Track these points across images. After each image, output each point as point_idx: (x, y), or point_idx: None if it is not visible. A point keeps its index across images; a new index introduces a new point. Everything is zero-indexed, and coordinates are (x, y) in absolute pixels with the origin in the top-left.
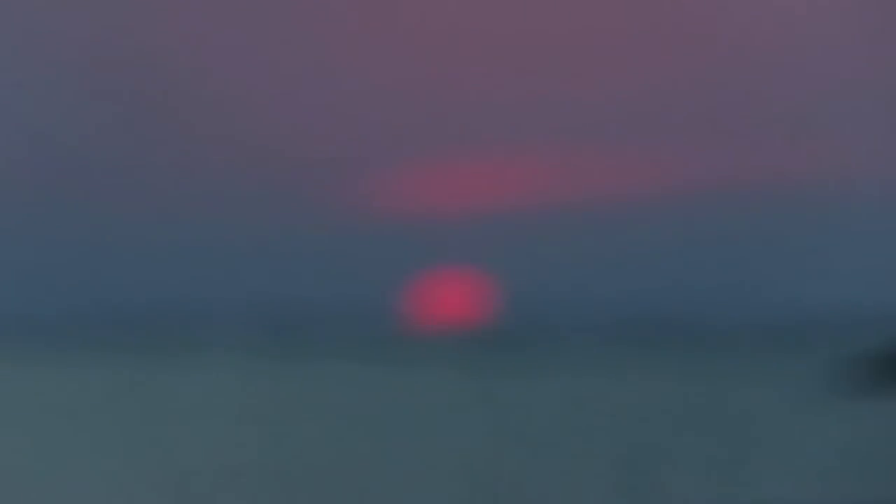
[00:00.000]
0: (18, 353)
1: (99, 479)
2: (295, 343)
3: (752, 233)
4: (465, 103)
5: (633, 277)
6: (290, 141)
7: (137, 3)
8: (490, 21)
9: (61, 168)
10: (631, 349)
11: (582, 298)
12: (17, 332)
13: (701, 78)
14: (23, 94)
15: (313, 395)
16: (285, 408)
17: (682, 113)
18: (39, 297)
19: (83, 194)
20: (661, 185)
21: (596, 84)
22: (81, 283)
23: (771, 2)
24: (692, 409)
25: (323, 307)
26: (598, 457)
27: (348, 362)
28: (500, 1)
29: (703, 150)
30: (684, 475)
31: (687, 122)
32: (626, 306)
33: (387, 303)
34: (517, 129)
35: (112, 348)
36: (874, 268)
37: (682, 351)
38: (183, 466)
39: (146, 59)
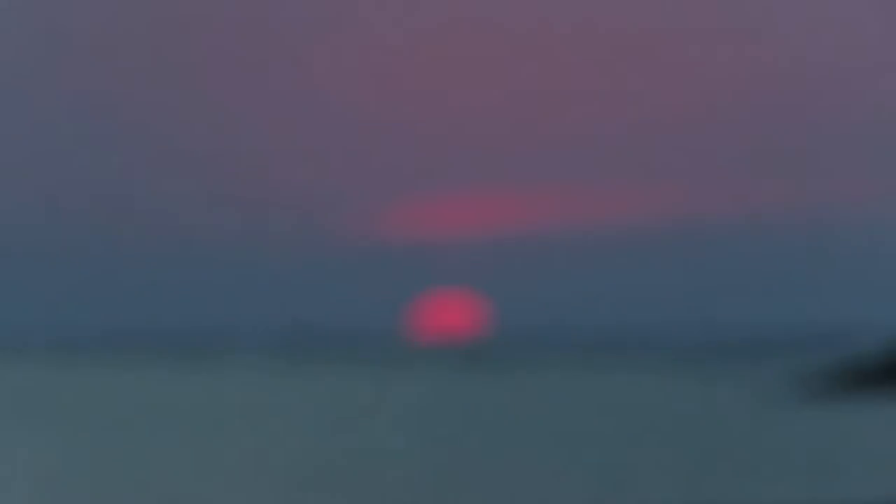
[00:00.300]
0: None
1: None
2: (309, 356)
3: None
4: (457, 143)
5: (610, 298)
6: (301, 178)
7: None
8: (480, 61)
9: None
10: (609, 360)
11: (564, 316)
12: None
13: (685, 116)
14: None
15: (328, 400)
16: (303, 409)
17: (667, 147)
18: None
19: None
20: (637, 215)
21: (582, 120)
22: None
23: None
24: (667, 415)
25: (332, 323)
26: (575, 457)
27: (355, 368)
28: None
29: (671, 184)
30: (659, 478)
31: (667, 156)
32: (603, 322)
33: (389, 320)
34: (507, 165)
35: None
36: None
37: (660, 362)
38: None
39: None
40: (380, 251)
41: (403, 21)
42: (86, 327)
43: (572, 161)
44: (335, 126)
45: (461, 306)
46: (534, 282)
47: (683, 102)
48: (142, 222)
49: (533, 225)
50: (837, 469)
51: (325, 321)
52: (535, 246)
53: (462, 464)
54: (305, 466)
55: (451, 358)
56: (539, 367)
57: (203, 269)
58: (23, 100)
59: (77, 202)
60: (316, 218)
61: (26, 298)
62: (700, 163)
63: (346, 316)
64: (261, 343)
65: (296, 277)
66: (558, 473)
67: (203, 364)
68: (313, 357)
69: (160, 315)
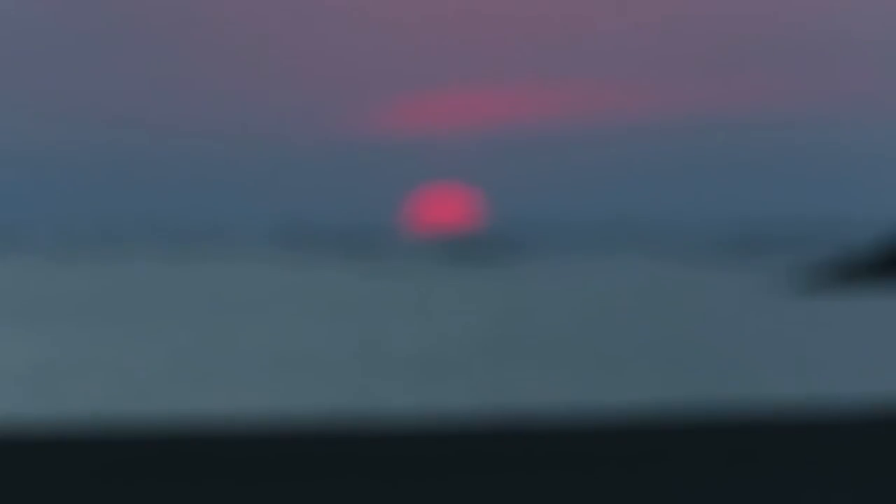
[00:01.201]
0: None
1: None
2: (304, 248)
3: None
4: (453, 42)
5: (603, 184)
6: (304, 72)
7: None
8: None
9: None
10: (603, 252)
11: (559, 209)
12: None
13: None
14: None
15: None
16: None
17: None
18: None
19: None
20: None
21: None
22: None
23: None
24: (661, 304)
25: (331, 218)
26: (569, 344)
27: (349, 261)
28: None
29: None
30: (653, 367)
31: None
32: (597, 217)
33: (388, 211)
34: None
35: None
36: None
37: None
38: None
39: None
40: (373, 146)
41: None
42: (92, 222)
43: (569, 58)
44: (330, 24)
45: (454, 200)
46: (529, 175)
47: (662, 9)
48: (144, 119)
49: (529, 119)
50: (829, 355)
51: (317, 216)
52: (532, 140)
53: (453, 350)
54: (299, 351)
55: (444, 250)
56: (537, 257)
57: (199, 163)
58: None
59: (78, 103)
60: (310, 113)
61: (28, 194)
62: (689, 63)
63: (338, 210)
64: (257, 236)
65: (289, 173)
66: (552, 363)
67: (203, 255)
68: (307, 249)
69: (161, 208)
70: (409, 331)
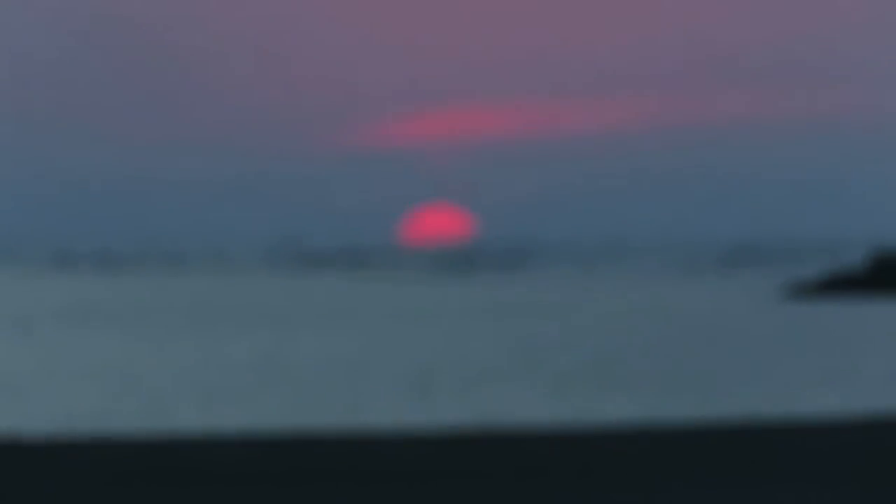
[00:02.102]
0: None
1: None
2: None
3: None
4: (446, 63)
5: (593, 208)
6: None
7: None
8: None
9: None
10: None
11: (553, 225)
12: None
13: None
14: None
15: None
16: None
17: None
18: None
19: None
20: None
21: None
22: None
23: None
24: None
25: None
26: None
27: (349, 273)
28: None
29: None
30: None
31: None
32: (592, 232)
33: (382, 226)
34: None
35: None
36: None
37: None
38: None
39: None
40: (367, 163)
41: None
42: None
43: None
44: (324, 44)
45: (447, 215)
46: (522, 190)
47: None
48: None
49: (522, 136)
50: (820, 351)
51: (312, 233)
52: (525, 156)
53: (445, 349)
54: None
55: (437, 262)
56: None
57: (197, 186)
58: None
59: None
60: (302, 131)
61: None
62: (683, 76)
63: (334, 227)
64: (255, 254)
65: (283, 191)
66: (554, 374)
67: (206, 271)
68: (304, 266)
69: (166, 229)
70: (404, 338)
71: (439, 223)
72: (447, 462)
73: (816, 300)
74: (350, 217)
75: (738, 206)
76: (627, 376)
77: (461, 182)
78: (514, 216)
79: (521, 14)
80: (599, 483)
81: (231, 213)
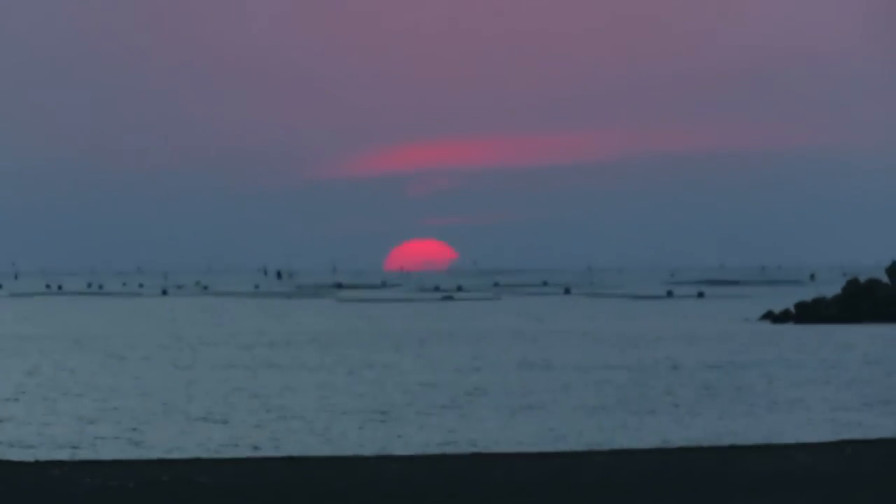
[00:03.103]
0: None
1: None
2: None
3: None
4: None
5: (576, 240)
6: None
7: None
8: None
9: None
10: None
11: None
12: None
13: None
14: None
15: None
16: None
17: None
18: None
19: None
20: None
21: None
22: None
23: None
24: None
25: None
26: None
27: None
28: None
29: None
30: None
31: None
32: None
33: (370, 253)
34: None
35: None
36: None
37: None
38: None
39: None
40: (353, 191)
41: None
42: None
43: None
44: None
45: (428, 243)
46: (504, 218)
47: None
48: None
49: (506, 166)
50: (800, 368)
51: (298, 261)
52: (509, 186)
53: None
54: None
55: (419, 288)
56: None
57: (189, 219)
58: None
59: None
60: (287, 166)
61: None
62: (656, 109)
63: (320, 253)
64: (242, 279)
65: (270, 220)
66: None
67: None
68: (291, 290)
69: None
70: (388, 358)
71: (421, 250)
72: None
73: (790, 326)
74: (332, 244)
75: (711, 235)
76: (610, 401)
77: (442, 211)
78: (492, 244)
79: (506, 51)
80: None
81: (219, 239)
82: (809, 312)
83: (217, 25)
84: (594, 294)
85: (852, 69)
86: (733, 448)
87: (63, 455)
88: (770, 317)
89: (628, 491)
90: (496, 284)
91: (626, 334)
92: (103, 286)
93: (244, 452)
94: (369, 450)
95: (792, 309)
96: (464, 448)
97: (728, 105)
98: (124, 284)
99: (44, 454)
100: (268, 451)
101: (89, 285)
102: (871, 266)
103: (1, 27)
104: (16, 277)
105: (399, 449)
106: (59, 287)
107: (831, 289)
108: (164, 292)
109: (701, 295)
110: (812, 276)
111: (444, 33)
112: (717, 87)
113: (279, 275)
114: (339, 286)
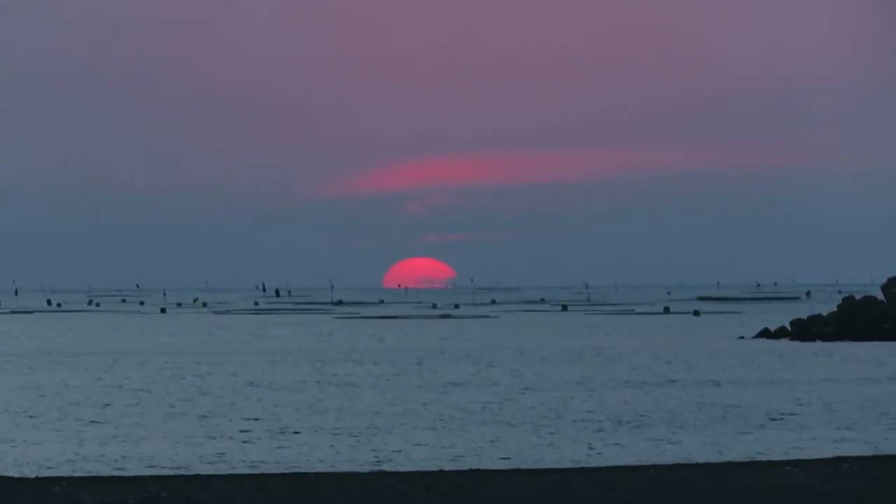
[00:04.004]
0: None
1: None
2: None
3: None
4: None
5: (577, 259)
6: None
7: None
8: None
9: None
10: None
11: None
12: None
13: None
14: None
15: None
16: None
17: None
18: None
19: None
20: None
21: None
22: None
23: None
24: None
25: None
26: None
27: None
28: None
29: None
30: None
31: None
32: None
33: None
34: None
35: None
36: None
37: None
38: None
39: None
40: (352, 208)
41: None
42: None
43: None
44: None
45: (426, 260)
46: (501, 236)
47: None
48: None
49: (503, 184)
50: (791, 381)
51: (297, 277)
52: (504, 204)
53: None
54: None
55: (417, 305)
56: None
57: (195, 239)
58: None
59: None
60: (292, 184)
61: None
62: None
63: (320, 271)
64: (242, 295)
65: (271, 237)
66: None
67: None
68: (289, 305)
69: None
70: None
71: (419, 268)
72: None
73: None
74: (330, 262)
75: (707, 253)
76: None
77: (440, 229)
78: (490, 261)
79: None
80: None
81: (217, 257)
82: (805, 330)
83: (214, 47)
84: (591, 311)
85: (849, 90)
86: (729, 465)
87: (63, 471)
88: (766, 334)
89: None
90: (493, 302)
91: (622, 350)
92: (100, 304)
93: (242, 469)
94: (366, 466)
95: (788, 326)
96: (460, 465)
97: (724, 124)
98: (123, 301)
99: (44, 470)
100: (266, 468)
101: (89, 302)
102: (866, 284)
103: (6, 58)
104: (16, 294)
105: (395, 465)
106: (59, 305)
107: (827, 306)
108: (163, 310)
109: (697, 313)
110: (808, 294)
111: (443, 50)
112: (713, 107)
113: (277, 293)
114: (338, 303)
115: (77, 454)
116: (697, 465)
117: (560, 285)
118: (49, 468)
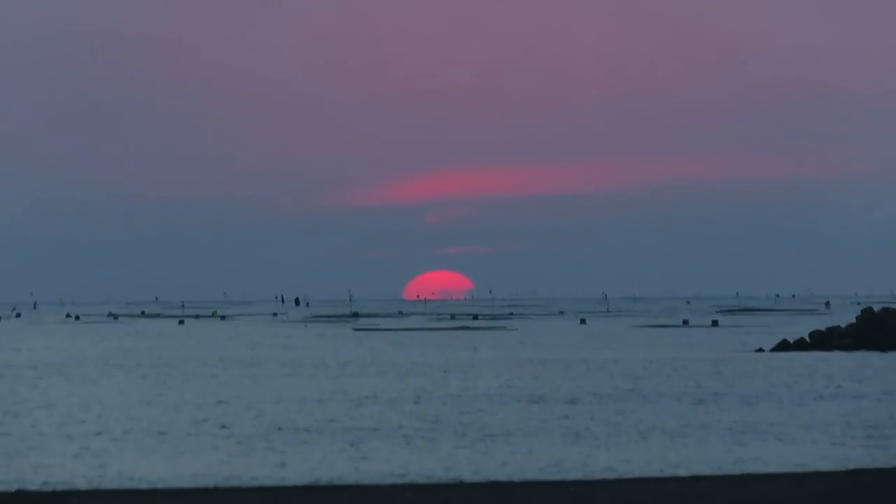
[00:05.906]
0: None
1: None
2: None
3: None
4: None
5: (586, 279)
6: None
7: None
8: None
9: None
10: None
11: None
12: None
13: None
14: None
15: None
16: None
17: None
18: None
19: None
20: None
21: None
22: None
23: None
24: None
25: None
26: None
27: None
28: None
29: None
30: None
31: None
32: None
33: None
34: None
35: None
36: None
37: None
38: None
39: None
40: (368, 220)
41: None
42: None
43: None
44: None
45: (446, 271)
46: (517, 248)
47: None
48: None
49: (519, 196)
50: (806, 393)
51: (316, 289)
52: (521, 215)
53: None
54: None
55: (436, 317)
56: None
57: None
58: None
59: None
60: (309, 196)
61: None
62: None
63: (338, 281)
64: (262, 306)
65: (289, 247)
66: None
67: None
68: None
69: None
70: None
71: (439, 279)
72: None
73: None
74: (349, 273)
75: (726, 264)
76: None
77: (459, 240)
78: (509, 273)
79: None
80: None
81: (235, 269)
82: (824, 341)
83: (231, 58)
84: (610, 323)
85: (871, 101)
86: (747, 476)
87: (80, 484)
88: (784, 345)
89: None
90: (512, 314)
91: (641, 362)
92: (118, 317)
93: (257, 482)
94: (384, 479)
95: (807, 338)
96: (479, 477)
97: (744, 135)
98: (143, 313)
99: (62, 483)
100: (281, 480)
101: (108, 315)
102: (884, 296)
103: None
104: (35, 307)
105: (413, 477)
106: (77, 317)
107: (845, 318)
108: (181, 322)
109: (715, 324)
110: (827, 305)
111: (464, 62)
112: (734, 117)
113: (297, 302)
114: (356, 315)
115: (95, 467)
116: (716, 476)
117: (579, 296)
118: (66, 481)
